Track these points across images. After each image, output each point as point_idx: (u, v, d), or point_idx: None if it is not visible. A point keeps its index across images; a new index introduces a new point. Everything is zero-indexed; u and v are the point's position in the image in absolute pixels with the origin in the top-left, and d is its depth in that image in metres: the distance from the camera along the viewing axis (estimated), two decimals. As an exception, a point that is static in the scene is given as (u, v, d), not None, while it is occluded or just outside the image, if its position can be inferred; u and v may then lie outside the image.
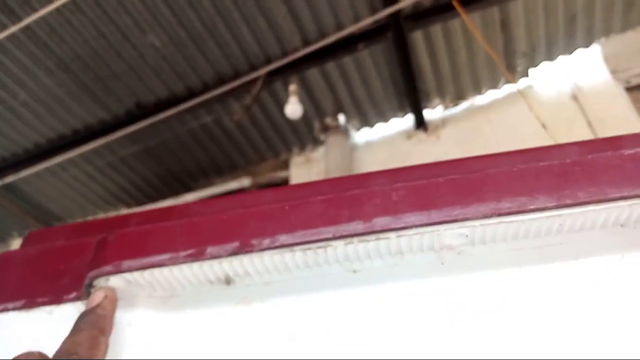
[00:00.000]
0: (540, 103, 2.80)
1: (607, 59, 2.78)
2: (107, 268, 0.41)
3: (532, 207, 0.37)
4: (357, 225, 0.39)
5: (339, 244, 0.39)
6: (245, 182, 3.03)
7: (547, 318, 0.38)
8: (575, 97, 2.74)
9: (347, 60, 2.67)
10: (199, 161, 3.20)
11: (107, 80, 2.69)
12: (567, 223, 0.39)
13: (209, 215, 0.42)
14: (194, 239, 0.41)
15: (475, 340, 0.38)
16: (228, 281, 0.43)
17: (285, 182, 3.21)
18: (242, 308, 0.43)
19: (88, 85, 2.70)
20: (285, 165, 3.32)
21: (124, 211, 3.36)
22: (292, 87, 2.69)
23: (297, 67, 2.68)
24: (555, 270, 0.39)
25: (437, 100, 2.97)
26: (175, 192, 3.36)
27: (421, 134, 3.02)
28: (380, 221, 0.39)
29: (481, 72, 2.79)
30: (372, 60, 2.67)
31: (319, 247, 0.39)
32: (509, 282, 0.40)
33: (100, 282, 0.42)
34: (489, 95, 2.91)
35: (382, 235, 0.39)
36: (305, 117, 2.95)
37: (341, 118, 3.02)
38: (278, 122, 3.00)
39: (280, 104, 2.78)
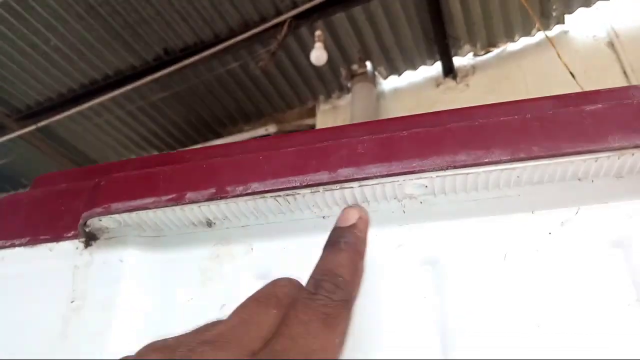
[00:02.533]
0: (575, 50, 2.70)
1: (649, 3, 2.63)
2: (98, 209, 0.45)
3: (486, 160, 0.38)
4: (323, 175, 0.41)
5: (306, 192, 0.42)
6: (271, 129, 3.06)
7: (501, 267, 0.40)
8: (611, 44, 2.63)
9: (375, 5, 2.61)
10: (227, 107, 3.25)
11: (136, 25, 2.72)
12: (524, 176, 0.40)
13: (190, 163, 0.45)
14: (175, 184, 0.44)
15: (434, 286, 0.41)
16: (209, 224, 0.47)
17: (312, 129, 3.22)
18: (221, 248, 0.46)
19: (117, 31, 2.74)
20: (312, 112, 3.32)
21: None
22: (318, 33, 2.66)
23: (323, 11, 2.64)
24: (512, 221, 0.41)
25: (467, 47, 2.89)
26: (205, 138, 3.43)
27: (450, 82, 2.97)
28: (344, 172, 0.41)
29: (514, 17, 2.68)
30: (400, 4, 2.61)
31: (288, 195, 0.42)
32: (467, 231, 0.42)
33: (93, 222, 0.46)
34: (521, 42, 2.81)
35: (345, 185, 0.41)
36: (331, 64, 2.93)
37: (368, 65, 2.98)
38: (304, 69, 2.99)
39: (307, 50, 2.76)
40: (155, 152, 3.50)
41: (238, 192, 0.42)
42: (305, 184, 0.41)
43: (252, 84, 3.06)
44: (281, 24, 2.66)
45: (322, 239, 0.44)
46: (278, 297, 0.33)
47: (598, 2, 2.66)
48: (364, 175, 0.41)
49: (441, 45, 2.79)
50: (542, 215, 0.41)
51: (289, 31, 2.68)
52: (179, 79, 2.96)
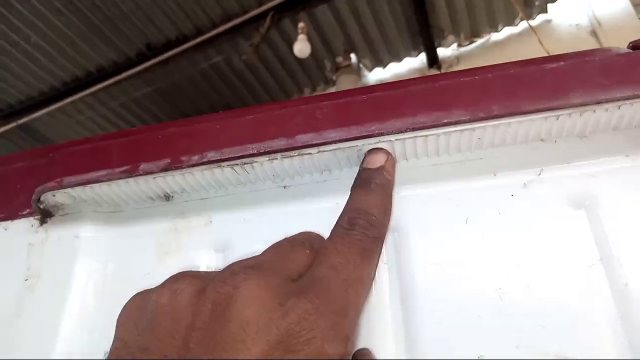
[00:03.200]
0: (558, 39, 2.71)
1: (630, -9, 2.64)
2: (51, 184, 0.44)
3: (445, 120, 0.37)
4: (281, 142, 0.40)
5: (264, 159, 0.41)
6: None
7: (463, 230, 0.39)
8: (594, 33, 2.64)
9: (358, -4, 2.59)
10: (211, 102, 3.22)
11: (117, 20, 2.69)
12: (485, 137, 0.39)
13: (145, 134, 0.44)
14: (128, 156, 0.43)
15: (396, 252, 0.40)
16: (167, 197, 0.45)
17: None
18: (179, 222, 0.45)
19: (98, 26, 2.70)
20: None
21: (140, 152, 3.42)
22: (301, 25, 2.64)
23: (306, 3, 2.62)
24: (474, 185, 0.40)
25: (451, 38, 2.89)
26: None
27: (435, 73, 2.96)
28: (302, 137, 0.40)
29: (497, 7, 2.68)
30: (383, -4, 2.59)
31: (245, 163, 0.41)
32: (429, 196, 0.41)
33: (47, 198, 0.45)
34: (505, 32, 2.81)
35: (304, 151, 0.40)
36: (316, 57, 2.92)
37: (353, 57, 2.97)
38: (289, 62, 2.97)
39: (290, 43, 2.74)
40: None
41: (193, 162, 0.41)
42: (262, 151, 0.40)
43: (236, 78, 3.04)
44: (264, 17, 2.65)
45: (284, 209, 0.43)
46: (310, 240, 0.35)
47: (580, -9, 2.66)
48: (323, 140, 0.40)
49: (425, 36, 2.78)
50: (504, 178, 0.40)
51: (272, 24, 2.67)
52: (162, 74, 2.93)
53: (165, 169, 0.41)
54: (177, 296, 0.29)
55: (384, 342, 0.37)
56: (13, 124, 3.07)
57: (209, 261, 0.43)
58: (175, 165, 0.41)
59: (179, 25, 2.74)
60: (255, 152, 0.40)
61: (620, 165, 0.39)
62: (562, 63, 0.38)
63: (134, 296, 0.32)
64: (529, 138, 0.40)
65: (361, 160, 0.41)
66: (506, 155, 0.41)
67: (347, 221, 0.35)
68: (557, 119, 0.38)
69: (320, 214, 0.43)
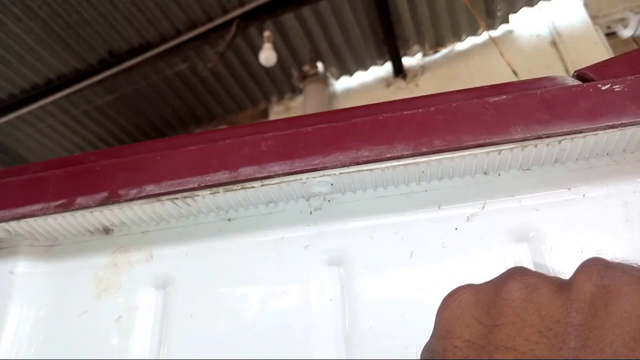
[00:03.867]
0: (519, 49, 2.76)
1: (587, 4, 2.72)
2: (-17, 218, 0.42)
3: (389, 155, 0.37)
4: (223, 175, 0.39)
5: (205, 193, 0.39)
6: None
7: (408, 264, 0.39)
8: (554, 43, 2.70)
9: (324, 5, 2.60)
10: (177, 110, 3.17)
11: (78, 27, 2.62)
12: (429, 171, 0.39)
13: (82, 166, 0.42)
14: (65, 189, 0.41)
15: (341, 287, 0.39)
16: (107, 230, 0.44)
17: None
18: (119, 256, 0.43)
19: (58, 33, 2.63)
20: (265, 114, 3.29)
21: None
22: (267, 34, 2.63)
23: (271, 12, 2.61)
24: (419, 217, 0.40)
25: (416, 47, 2.92)
26: (155, 142, 3.33)
27: (400, 82, 2.99)
28: (245, 170, 0.39)
29: (461, 18, 2.72)
30: (349, 5, 2.60)
31: (186, 197, 0.40)
32: (374, 229, 0.41)
33: (-22, 232, 0.43)
34: (469, 42, 2.86)
35: (247, 185, 0.39)
36: (282, 65, 2.91)
37: (319, 66, 2.97)
38: (255, 71, 2.95)
39: (257, 51, 2.72)
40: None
41: (132, 196, 0.39)
42: (204, 184, 0.39)
43: (202, 86, 3.00)
44: (229, 25, 2.62)
45: (228, 242, 0.42)
46: None
47: (541, 2, 2.73)
48: (266, 174, 0.39)
49: (390, 45, 2.81)
50: (449, 210, 0.40)
51: (237, 32, 2.65)
52: (125, 81, 2.88)
53: (103, 203, 0.40)
54: (537, 290, 0.26)
55: (327, 382, 0.36)
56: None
57: (149, 298, 0.41)
58: (113, 199, 0.40)
59: (142, 33, 2.69)
60: (197, 185, 0.39)
61: (563, 198, 0.39)
62: (504, 97, 0.38)
63: (461, 289, 0.29)
64: (472, 171, 0.40)
65: None
66: (451, 188, 0.40)
67: None
68: (499, 153, 0.37)
69: (265, 246, 0.42)
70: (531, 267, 0.37)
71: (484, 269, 0.38)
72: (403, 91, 2.97)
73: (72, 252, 0.44)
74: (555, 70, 2.67)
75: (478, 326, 0.26)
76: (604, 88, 0.37)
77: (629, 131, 0.37)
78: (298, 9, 2.62)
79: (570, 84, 0.46)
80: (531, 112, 0.37)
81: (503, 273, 0.29)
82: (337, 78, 3.07)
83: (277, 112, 3.27)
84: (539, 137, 0.36)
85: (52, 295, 0.43)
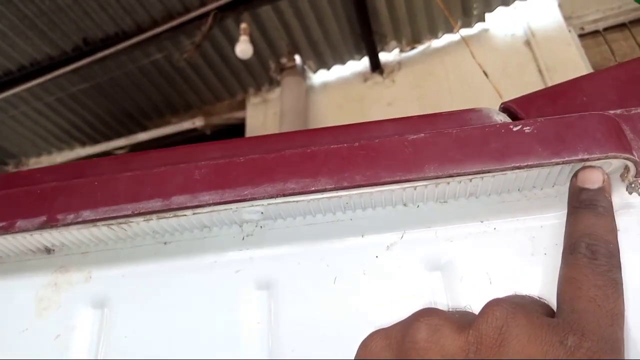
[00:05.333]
0: (494, 48, 2.80)
1: (561, 5, 2.76)
2: None
3: (313, 188, 0.39)
4: (156, 203, 0.41)
5: (139, 220, 0.41)
6: (198, 122, 3.01)
7: (331, 290, 0.41)
8: (528, 43, 2.74)
9: (301, -2, 2.60)
10: (153, 100, 3.16)
11: (51, 13, 2.59)
12: (352, 202, 0.41)
13: (23, 189, 0.43)
14: (5, 212, 0.43)
15: (268, 310, 0.42)
16: (48, 250, 0.46)
17: (242, 122, 3.19)
18: (59, 276, 0.45)
19: (31, 19, 2.60)
20: (242, 105, 3.29)
21: (79, 150, 3.32)
22: (243, 26, 2.63)
23: (249, 3, 2.60)
24: (344, 245, 0.43)
25: (393, 43, 2.94)
26: (130, 131, 3.32)
27: (377, 77, 3.01)
28: (177, 199, 0.41)
29: (437, 15, 2.75)
30: None
31: (121, 223, 0.41)
32: (302, 255, 0.43)
33: None
34: (445, 39, 2.89)
35: (179, 213, 0.41)
36: (260, 57, 2.91)
37: (297, 59, 2.98)
38: (233, 62, 2.95)
39: (234, 43, 2.72)
40: (78, 146, 3.37)
41: (69, 221, 0.41)
42: (137, 212, 0.41)
43: (178, 76, 2.99)
44: (206, 16, 2.61)
45: (164, 265, 0.44)
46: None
47: (516, 2, 2.76)
48: (197, 203, 0.41)
49: (368, 41, 2.82)
50: (371, 239, 0.43)
51: (214, 23, 2.64)
52: (100, 70, 2.85)
53: (41, 227, 0.42)
54: (439, 331, 0.28)
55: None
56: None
57: (86, 318, 0.43)
58: (51, 223, 0.42)
59: (117, 21, 2.67)
60: (130, 212, 0.41)
61: (475, 230, 0.42)
62: (422, 135, 0.41)
63: (373, 335, 0.31)
64: (393, 202, 0.42)
65: (572, 176, 0.40)
66: (373, 218, 0.43)
67: (587, 248, 0.33)
68: (415, 189, 0.40)
69: (199, 270, 0.44)
70: (443, 296, 0.40)
71: (400, 296, 0.40)
72: (379, 86, 3.00)
73: (15, 270, 0.46)
74: (528, 70, 2.72)
75: None
76: (515, 129, 0.40)
77: (536, 171, 0.40)
78: (275, 1, 2.62)
79: (495, 119, 0.49)
80: (445, 151, 0.40)
81: (412, 314, 0.31)
82: (315, 71, 3.09)
83: (254, 103, 3.27)
84: (451, 176, 0.39)
85: (-6, 312, 0.45)
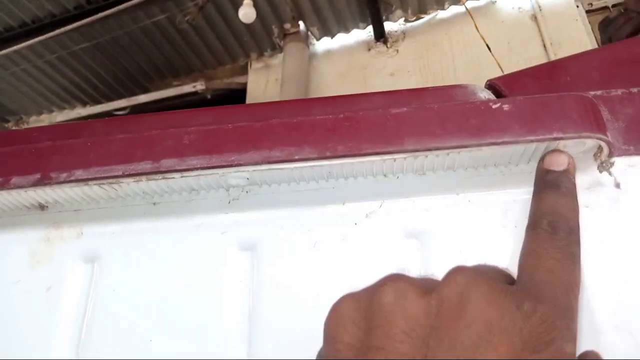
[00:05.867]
0: (500, 21, 2.77)
1: (570, -21, 2.72)
2: None
3: (297, 157, 0.41)
4: (146, 165, 0.42)
5: (129, 181, 0.43)
6: (199, 86, 3.00)
7: (311, 254, 0.43)
8: (534, 17, 2.71)
9: (306, -38, 2.56)
10: (154, 61, 3.14)
11: (53, -31, 2.56)
12: (334, 171, 0.43)
13: (19, 147, 0.45)
14: (2, 169, 0.44)
15: (251, 269, 0.44)
16: (42, 207, 0.47)
17: (243, 87, 3.18)
18: (52, 232, 0.47)
19: (32, -25, 2.57)
20: (244, 70, 3.27)
21: (80, 109, 3.32)
22: (247, -11, 2.59)
23: (253, -33, 2.57)
24: (325, 212, 0.44)
25: (399, 12, 2.91)
26: (131, 92, 3.31)
27: (381, 46, 2.99)
28: (166, 162, 0.42)
29: (445, -16, 2.71)
30: (331, -35, 2.57)
31: (111, 183, 0.43)
32: (285, 219, 0.45)
33: None
34: (451, 10, 2.85)
35: (167, 175, 0.42)
36: (263, 22, 2.88)
37: (301, 25, 2.95)
38: (236, 26, 2.92)
39: (238, 7, 2.69)
40: (79, 106, 3.37)
41: (62, 179, 0.43)
42: (127, 173, 0.43)
43: (181, 38, 2.97)
44: (209, -23, 2.58)
45: (153, 224, 0.46)
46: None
47: (524, -26, 2.72)
48: (186, 167, 0.42)
49: (373, 9, 2.79)
50: (351, 207, 0.44)
51: (218, -15, 2.61)
52: (102, 29, 2.83)
53: (35, 184, 0.43)
54: (404, 295, 0.30)
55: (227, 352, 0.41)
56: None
57: (77, 272, 0.45)
58: (44, 181, 0.43)
59: (120, -21, 2.63)
60: (121, 173, 0.43)
61: (451, 202, 0.44)
62: (404, 109, 0.42)
63: (343, 298, 0.32)
64: (374, 173, 0.44)
65: (539, 159, 0.42)
66: (354, 187, 0.45)
67: (548, 224, 0.35)
68: (394, 160, 0.42)
69: (186, 230, 0.46)
70: (417, 263, 0.42)
71: (376, 261, 0.42)
72: (383, 56, 2.98)
73: (9, 225, 0.48)
74: (533, 44, 2.69)
75: (356, 330, 0.30)
76: (494, 107, 0.41)
77: (512, 148, 0.41)
78: (280, -35, 2.57)
79: (479, 95, 0.50)
80: (425, 126, 0.41)
81: (381, 279, 0.33)
82: (319, 39, 3.05)
83: (256, 68, 3.25)
84: (429, 149, 0.40)
85: (-9, 264, 0.47)
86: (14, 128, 3.46)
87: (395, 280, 0.32)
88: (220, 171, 0.43)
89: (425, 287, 0.31)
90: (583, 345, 0.35)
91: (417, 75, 2.87)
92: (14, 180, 0.44)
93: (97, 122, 0.49)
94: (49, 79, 3.17)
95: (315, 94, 2.95)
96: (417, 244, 0.43)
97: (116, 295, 0.44)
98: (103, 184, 0.43)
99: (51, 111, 3.43)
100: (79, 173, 0.43)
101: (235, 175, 0.44)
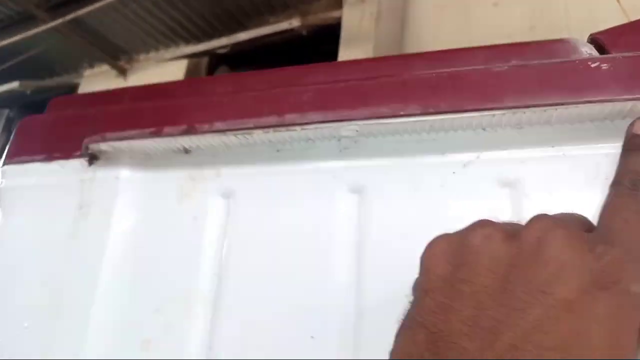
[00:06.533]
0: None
1: None
2: (96, 137, 0.56)
3: (402, 113, 0.46)
4: (272, 119, 0.50)
5: (259, 132, 0.51)
6: (295, 22, 3.04)
7: (413, 198, 0.49)
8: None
9: None
10: (252, -1, 3.21)
11: None
12: (436, 125, 0.48)
13: (169, 102, 0.54)
14: (155, 120, 0.54)
15: (358, 210, 0.51)
16: (186, 151, 0.57)
17: (338, 22, 3.18)
18: (195, 172, 0.57)
19: None
20: (339, 4, 3.25)
21: (183, 48, 3.51)
22: None
23: None
24: (426, 161, 0.50)
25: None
26: (231, 30, 3.43)
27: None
28: (290, 117, 0.50)
29: None
30: None
31: (244, 134, 0.51)
32: (390, 167, 0.51)
33: (93, 146, 0.57)
34: None
35: (290, 128, 0.50)
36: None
37: (398, -44, 2.86)
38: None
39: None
40: (183, 44, 3.55)
41: (205, 129, 0.52)
42: (258, 125, 0.50)
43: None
44: None
45: (277, 168, 0.54)
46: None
47: None
48: (306, 121, 0.49)
49: None
50: (450, 157, 0.49)
51: None
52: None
53: (183, 133, 0.53)
54: (491, 238, 0.35)
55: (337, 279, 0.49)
56: (59, 20, 3.18)
57: (216, 205, 0.55)
58: (190, 131, 0.52)
59: None
60: (252, 125, 0.51)
61: (546, 154, 0.47)
62: (505, 68, 0.46)
63: (438, 239, 0.38)
64: (473, 126, 0.48)
65: (630, 124, 0.44)
66: (454, 139, 0.49)
67: (629, 182, 0.38)
68: (493, 116, 0.46)
69: (304, 174, 0.54)
70: (509, 210, 0.47)
71: (471, 207, 0.48)
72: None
73: (161, 165, 0.58)
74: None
75: (447, 265, 0.36)
76: (593, 66, 0.44)
77: (608, 106, 0.44)
78: None
79: (581, 50, 0.52)
80: (524, 84, 0.45)
81: (471, 224, 0.39)
82: (416, -30, 2.94)
83: (351, 2, 3.22)
84: (527, 106, 0.44)
85: (147, 197, 0.58)
86: (126, 66, 3.74)
87: (483, 225, 0.37)
88: (334, 125, 0.49)
89: (510, 231, 0.36)
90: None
91: (522, 5, 2.70)
92: (166, 129, 0.53)
93: (227, 77, 0.57)
94: (155, 18, 3.35)
95: (412, 28, 2.89)
96: (510, 192, 0.47)
97: (247, 225, 0.54)
98: (237, 134, 0.52)
99: (158, 49, 3.64)
100: (219, 125, 0.52)
101: (347, 129, 0.50)
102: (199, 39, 3.49)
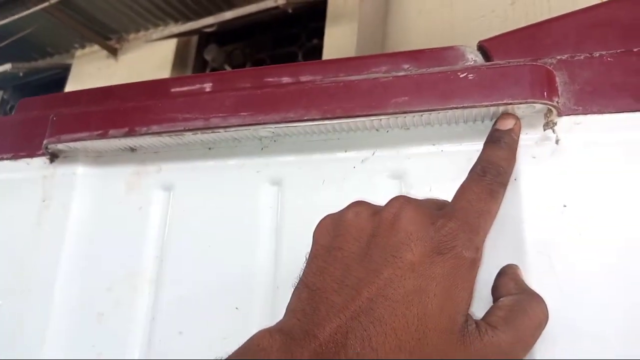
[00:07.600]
0: None
1: None
2: (53, 138, 0.64)
3: (305, 117, 0.54)
4: (199, 122, 0.58)
5: (189, 133, 0.59)
6: (280, 1, 3.07)
7: (321, 188, 0.58)
8: None
9: None
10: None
11: None
12: (337, 127, 0.56)
13: (113, 107, 0.62)
14: (102, 123, 0.62)
15: (278, 199, 0.60)
16: (132, 150, 0.65)
17: (323, 2, 3.21)
18: (140, 167, 0.65)
19: None
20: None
21: (172, 27, 3.54)
22: None
23: None
24: (332, 157, 0.58)
25: None
26: (219, 8, 3.46)
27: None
28: (214, 120, 0.58)
29: None
30: None
31: (177, 135, 0.59)
32: (303, 162, 0.59)
33: (51, 146, 0.66)
34: None
35: (215, 130, 0.58)
36: None
37: None
38: None
39: None
40: (172, 23, 3.59)
41: (143, 132, 0.60)
42: (187, 128, 0.59)
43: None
44: None
45: (208, 163, 0.63)
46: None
47: None
48: (227, 124, 0.57)
49: None
50: (351, 154, 0.58)
51: None
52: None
53: (125, 135, 0.61)
54: (359, 215, 0.44)
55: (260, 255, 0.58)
56: (46, 3, 3.21)
57: (159, 196, 0.64)
58: (131, 133, 0.61)
59: None
60: (183, 128, 0.59)
61: (429, 151, 0.55)
62: (390, 78, 0.53)
63: (325, 217, 0.47)
64: (368, 128, 0.56)
65: (494, 122, 0.52)
66: (354, 138, 0.58)
67: (480, 169, 0.46)
68: (381, 120, 0.54)
69: (232, 169, 0.63)
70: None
71: (367, 196, 0.56)
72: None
73: (111, 162, 0.67)
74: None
75: (327, 237, 0.45)
76: (461, 76, 0.52)
77: (474, 110, 0.52)
78: None
79: (468, 57, 0.59)
80: (404, 92, 0.52)
81: (350, 204, 0.47)
82: (397, -55, 2.96)
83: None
84: (405, 112, 0.52)
85: (100, 189, 0.67)
86: (116, 46, 3.78)
87: (357, 204, 0.46)
88: (252, 127, 0.57)
89: (376, 209, 0.45)
90: (510, 262, 0.48)
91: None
92: (111, 132, 0.62)
93: (168, 81, 0.65)
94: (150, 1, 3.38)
95: (396, 5, 2.93)
96: (399, 183, 0.56)
97: (185, 214, 0.63)
98: (171, 135, 0.60)
99: (147, 29, 3.68)
100: (155, 127, 0.60)
101: (264, 131, 0.58)
102: (188, 18, 3.53)
